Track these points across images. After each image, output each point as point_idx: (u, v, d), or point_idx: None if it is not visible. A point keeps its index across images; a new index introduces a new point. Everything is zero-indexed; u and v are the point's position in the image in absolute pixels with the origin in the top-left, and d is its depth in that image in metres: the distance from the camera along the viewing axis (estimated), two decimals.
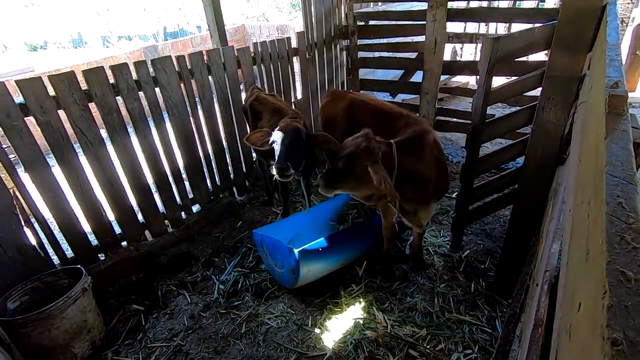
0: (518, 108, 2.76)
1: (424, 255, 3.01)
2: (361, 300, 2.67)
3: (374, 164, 2.04)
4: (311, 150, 2.82)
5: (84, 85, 2.64)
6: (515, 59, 3.36)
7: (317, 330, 2.47)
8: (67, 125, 2.62)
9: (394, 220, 2.53)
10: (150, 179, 3.21)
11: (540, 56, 3.79)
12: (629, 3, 5.80)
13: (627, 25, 6.01)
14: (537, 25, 2.92)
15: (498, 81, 3.29)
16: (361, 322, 2.49)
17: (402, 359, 2.22)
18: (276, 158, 2.57)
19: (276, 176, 2.56)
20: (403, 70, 5.03)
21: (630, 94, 4.71)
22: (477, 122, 2.48)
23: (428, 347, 2.28)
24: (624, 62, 5.34)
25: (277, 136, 2.59)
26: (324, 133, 2.70)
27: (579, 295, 0.52)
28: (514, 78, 2.86)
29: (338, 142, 2.89)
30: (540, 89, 1.99)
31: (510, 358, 1.68)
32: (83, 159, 2.75)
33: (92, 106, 2.69)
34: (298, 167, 2.64)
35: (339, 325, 2.50)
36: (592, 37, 1.60)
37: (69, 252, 2.86)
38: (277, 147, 2.59)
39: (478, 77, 2.61)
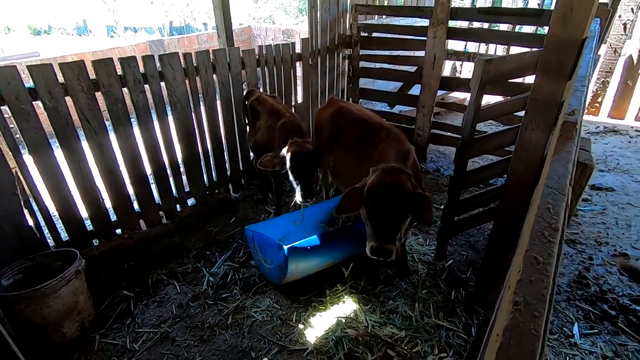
0: (507, 127, 2.91)
1: (409, 262, 3.12)
2: (345, 300, 2.77)
3: (425, 197, 2.06)
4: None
5: (92, 75, 2.74)
6: (508, 80, 3.51)
7: (300, 326, 2.56)
8: (73, 112, 2.71)
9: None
10: (148, 170, 3.30)
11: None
12: (622, 35, 6.02)
13: (619, 56, 6.23)
14: (533, 50, 3.09)
15: (494, 100, 3.43)
16: (343, 320, 2.59)
17: (380, 358, 2.32)
18: (298, 185, 2.85)
19: (300, 201, 2.85)
20: (402, 83, 5.18)
21: (618, 122, 4.88)
22: (466, 137, 2.61)
23: (405, 348, 2.38)
24: (615, 91, 5.54)
25: (295, 163, 2.80)
26: (325, 156, 2.98)
27: (511, 280, 0.63)
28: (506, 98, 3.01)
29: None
30: None
31: None
32: (85, 146, 2.84)
33: (99, 96, 2.79)
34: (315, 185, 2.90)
35: (322, 322, 2.60)
36: (572, 66, 1.74)
37: (64, 235, 2.94)
38: (294, 173, 2.84)
39: None
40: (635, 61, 6.14)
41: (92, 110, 2.78)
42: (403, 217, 2.04)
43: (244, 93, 3.76)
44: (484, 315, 2.23)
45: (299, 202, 2.86)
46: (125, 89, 2.94)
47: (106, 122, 2.91)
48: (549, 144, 1.97)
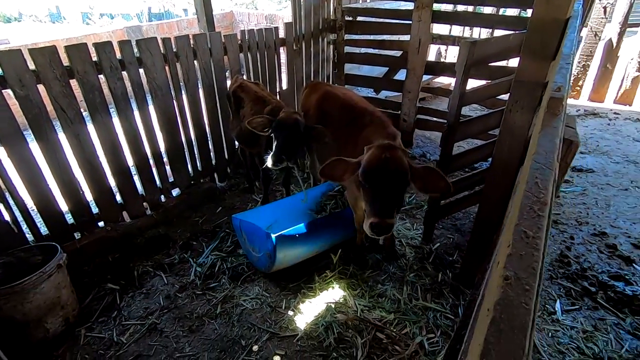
0: (492, 110, 2.92)
1: (397, 246, 3.15)
2: (334, 285, 2.79)
3: (425, 169, 2.08)
4: (307, 141, 2.94)
5: (65, 62, 2.61)
6: (492, 63, 3.52)
7: (290, 313, 2.57)
8: (47, 102, 2.59)
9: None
10: (130, 161, 3.20)
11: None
12: (602, 18, 6.10)
13: (599, 39, 6.32)
14: (517, 32, 3.08)
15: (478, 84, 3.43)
16: (333, 306, 2.61)
17: (370, 341, 2.35)
18: (273, 148, 2.71)
19: (269, 164, 2.70)
20: (388, 68, 5.15)
21: (597, 105, 4.97)
22: (451, 121, 2.61)
23: (394, 330, 2.42)
24: (595, 74, 5.63)
25: (277, 126, 2.72)
26: (321, 126, 2.81)
27: (500, 255, 0.63)
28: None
29: None
30: None
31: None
32: (62, 137, 2.73)
33: (74, 83, 2.67)
34: (292, 158, 2.78)
35: (311, 308, 2.61)
36: (556, 47, 1.74)
37: (44, 229, 2.84)
38: (275, 138, 2.73)
39: None
40: (614, 44, 6.24)
41: (67, 98, 2.67)
42: (401, 192, 2.05)
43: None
44: (470, 295, 2.28)
45: (269, 166, 2.74)
46: (101, 76, 2.82)
47: (83, 112, 2.80)
48: (534, 125, 1.98)
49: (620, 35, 6.16)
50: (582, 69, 6.65)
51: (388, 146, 2.04)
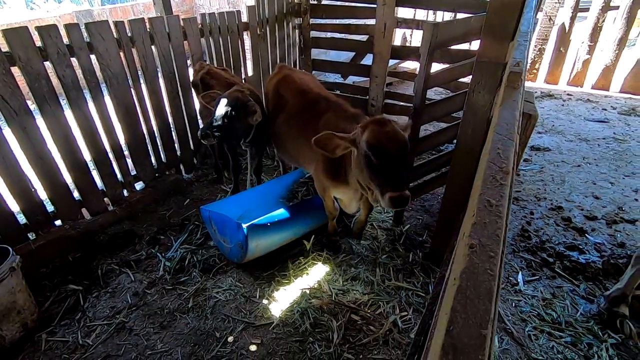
0: (456, 93, 2.99)
1: (368, 229, 3.19)
2: (308, 272, 2.79)
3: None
4: (264, 125, 2.87)
5: (4, 47, 2.38)
6: (454, 46, 3.58)
7: (264, 301, 2.55)
8: None
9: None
10: (87, 155, 3.01)
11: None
12: (556, 2, 6.37)
13: (553, 24, 6.61)
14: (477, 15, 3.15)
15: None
16: (308, 292, 2.61)
17: (345, 323, 2.38)
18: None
19: (198, 134, 2.71)
20: (354, 53, 5.12)
21: (552, 87, 5.23)
22: (417, 104, 2.65)
23: (369, 311, 2.47)
24: (550, 58, 5.87)
25: (218, 101, 2.74)
26: (252, 102, 2.82)
27: (465, 225, 0.64)
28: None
29: (270, 116, 3.02)
30: None
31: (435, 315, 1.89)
32: (7, 132, 2.51)
33: (16, 72, 2.45)
34: (223, 135, 2.73)
35: (286, 295, 2.60)
36: (514, 27, 1.78)
37: None
38: (215, 107, 2.74)
39: None
40: (567, 29, 6.55)
41: (9, 87, 2.44)
42: (407, 162, 2.07)
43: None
44: (440, 272, 2.36)
45: (198, 135, 2.74)
46: (48, 63, 2.60)
47: (31, 104, 2.58)
48: (495, 104, 2.04)
49: (572, 19, 6.48)
50: (538, 52, 6.94)
51: (384, 120, 2.05)
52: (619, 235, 3.17)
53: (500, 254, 0.43)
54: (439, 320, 0.53)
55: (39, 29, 2.51)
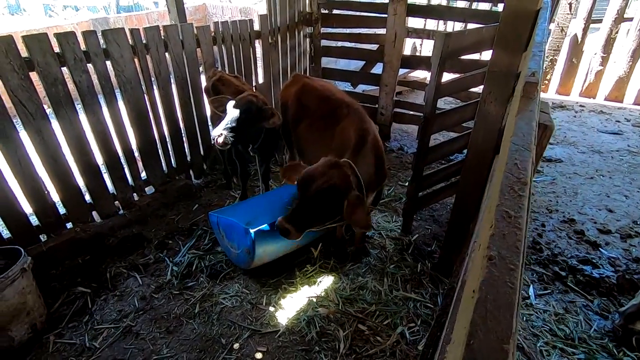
0: (467, 102, 2.97)
1: (376, 238, 3.16)
2: (315, 280, 2.77)
3: (355, 199, 2.01)
4: (272, 132, 2.88)
5: (24, 53, 2.45)
6: (466, 56, 3.57)
7: (271, 309, 2.53)
8: (5, 96, 2.42)
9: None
10: (99, 158, 3.06)
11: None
12: (568, 14, 6.34)
13: (565, 35, 6.58)
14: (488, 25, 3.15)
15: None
16: (314, 300, 2.59)
17: (352, 333, 2.35)
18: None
19: (214, 142, 2.70)
20: (364, 61, 5.15)
21: (564, 98, 5.18)
22: (428, 113, 2.64)
23: (376, 321, 2.43)
24: (562, 69, 5.84)
25: (229, 105, 2.75)
26: (271, 107, 2.85)
27: (482, 237, 0.62)
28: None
29: (289, 126, 3.02)
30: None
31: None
32: (23, 134, 2.57)
33: (34, 76, 2.51)
34: (239, 137, 2.74)
35: (293, 303, 2.58)
36: (528, 38, 1.77)
37: (6, 232, 2.67)
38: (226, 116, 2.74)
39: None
40: (579, 40, 6.51)
41: (27, 92, 2.50)
42: (320, 210, 2.10)
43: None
44: (449, 284, 2.32)
45: (212, 135, 2.74)
46: (65, 69, 2.67)
47: (47, 108, 2.64)
48: (507, 115, 2.03)
49: (585, 30, 6.43)
50: (549, 63, 6.90)
51: (330, 164, 2.07)
52: (634, 250, 3.09)
53: (521, 266, 0.42)
54: (455, 333, 0.52)
55: (58, 35, 2.58)
